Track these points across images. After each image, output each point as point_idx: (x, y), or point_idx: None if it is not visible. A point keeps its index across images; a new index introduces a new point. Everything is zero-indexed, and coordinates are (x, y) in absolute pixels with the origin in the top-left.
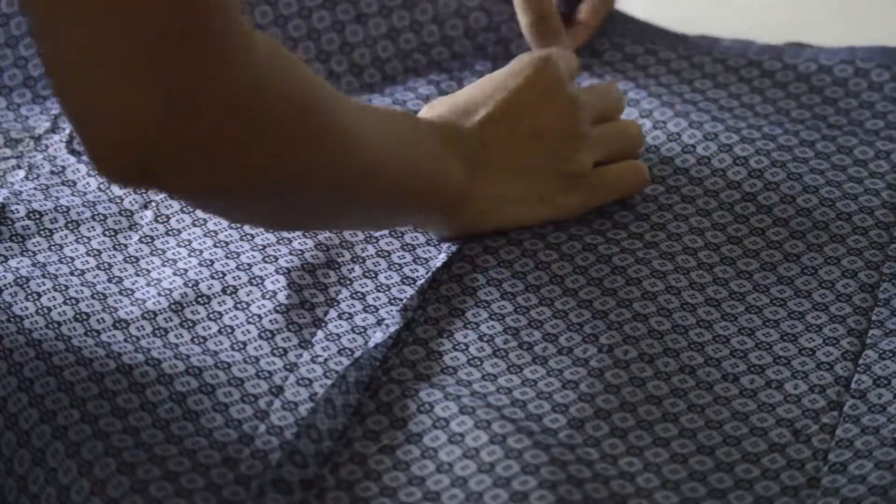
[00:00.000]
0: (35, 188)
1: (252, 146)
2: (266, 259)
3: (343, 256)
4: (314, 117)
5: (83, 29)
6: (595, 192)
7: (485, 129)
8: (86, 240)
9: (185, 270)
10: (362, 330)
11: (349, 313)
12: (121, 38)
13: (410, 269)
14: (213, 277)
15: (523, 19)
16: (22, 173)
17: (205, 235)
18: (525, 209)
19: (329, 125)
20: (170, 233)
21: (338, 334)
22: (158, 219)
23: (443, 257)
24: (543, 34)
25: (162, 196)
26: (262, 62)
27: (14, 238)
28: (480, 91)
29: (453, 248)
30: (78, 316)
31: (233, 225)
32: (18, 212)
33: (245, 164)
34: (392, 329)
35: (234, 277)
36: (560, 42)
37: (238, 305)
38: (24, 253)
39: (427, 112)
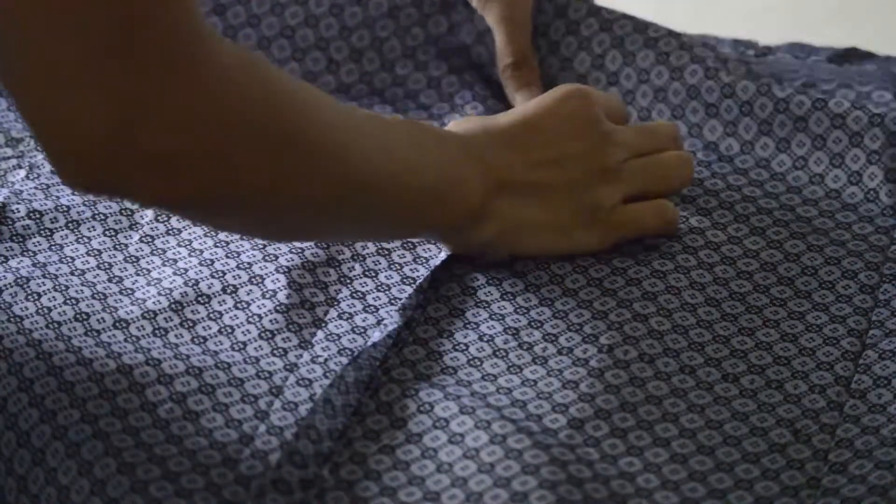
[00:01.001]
0: (35, 188)
1: (210, 159)
2: (266, 257)
3: (343, 254)
4: (287, 130)
5: (34, 40)
6: (614, 230)
7: (508, 151)
8: (86, 239)
9: (186, 270)
10: (362, 330)
11: (349, 313)
12: (72, 48)
13: (410, 269)
14: (213, 277)
15: (504, 59)
16: (23, 173)
17: (205, 235)
18: (542, 238)
19: (308, 138)
20: (170, 232)
21: (338, 334)
22: (159, 218)
23: (443, 256)
24: (520, 77)
25: None
26: (224, 72)
27: (14, 238)
28: (511, 115)
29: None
30: (78, 316)
31: None
32: (19, 211)
33: (203, 177)
34: (391, 328)
35: (234, 276)
36: (537, 84)
37: (238, 305)
38: (25, 253)
39: (458, 125)
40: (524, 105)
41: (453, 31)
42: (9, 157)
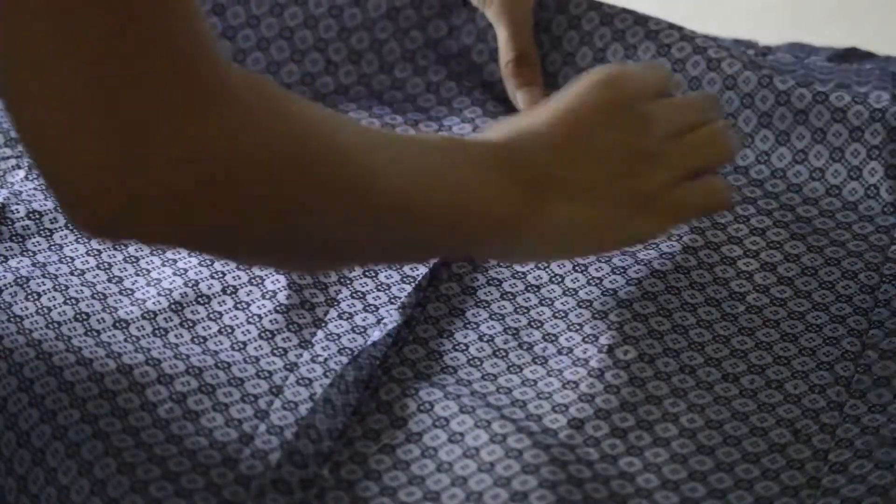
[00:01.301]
0: (35, 188)
1: (223, 193)
2: None
3: None
4: (305, 157)
5: (36, 76)
6: (671, 214)
7: (547, 151)
8: (86, 239)
9: (185, 270)
10: (362, 330)
11: (349, 313)
12: (80, 79)
13: (410, 269)
14: (213, 277)
15: (506, 55)
16: (22, 173)
17: None
18: (593, 236)
19: (328, 164)
20: None
21: (338, 334)
22: None
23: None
24: (522, 74)
25: None
26: (236, 103)
27: (14, 238)
28: (544, 111)
29: None
30: (78, 316)
31: None
32: (18, 212)
33: (216, 213)
34: (390, 327)
35: (234, 277)
36: (539, 81)
37: (238, 305)
38: (24, 253)
39: (493, 130)
40: (555, 101)
41: (452, 35)
42: (8, 158)
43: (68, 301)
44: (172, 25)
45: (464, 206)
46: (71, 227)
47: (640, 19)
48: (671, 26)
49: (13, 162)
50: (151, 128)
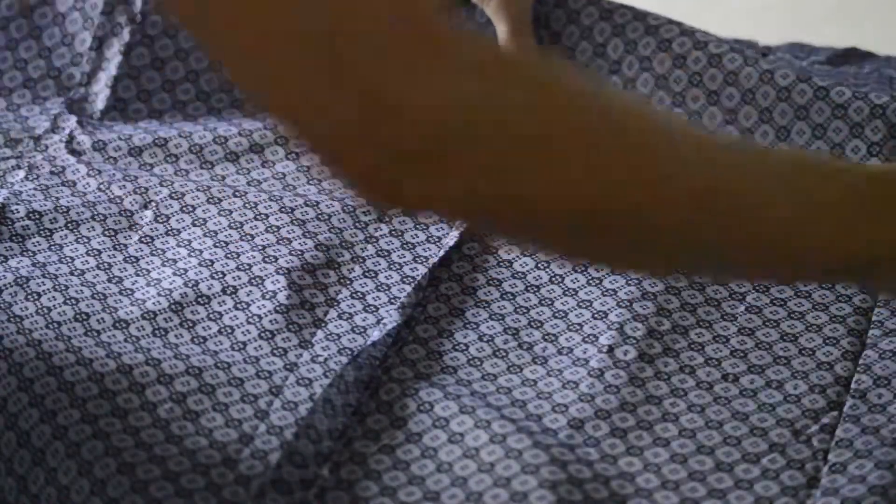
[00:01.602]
0: (35, 188)
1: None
2: (266, 259)
3: (343, 256)
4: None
5: (293, 49)
6: None
7: None
8: (86, 240)
9: (185, 270)
10: (362, 330)
11: (349, 313)
12: (310, 49)
13: (410, 269)
14: (213, 277)
15: (502, 27)
16: (22, 173)
17: (205, 235)
18: None
19: (629, 135)
20: (170, 233)
21: (338, 334)
22: (158, 219)
23: (442, 254)
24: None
25: (162, 196)
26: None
27: (14, 238)
28: None
29: (451, 244)
30: (78, 316)
31: (233, 224)
32: (18, 212)
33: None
34: (390, 327)
35: (234, 277)
36: (525, 15)
37: (238, 305)
38: (24, 253)
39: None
40: None
41: None
42: (8, 158)
43: (68, 301)
44: None
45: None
46: (71, 228)
47: (640, 14)
48: (671, 21)
49: (13, 162)
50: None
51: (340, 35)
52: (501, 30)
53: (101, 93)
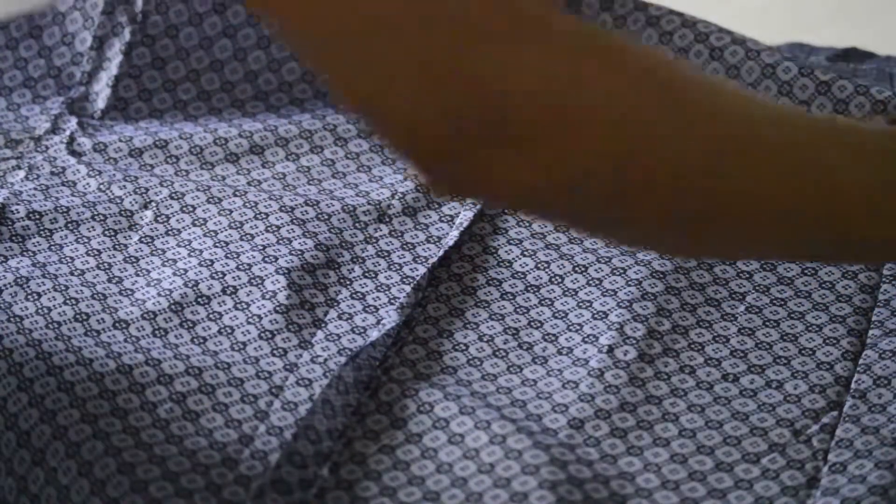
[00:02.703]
0: (35, 188)
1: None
2: (266, 259)
3: (343, 256)
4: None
5: (379, 38)
6: None
7: None
8: (86, 240)
9: (185, 271)
10: (362, 330)
11: (349, 313)
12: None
13: (410, 269)
14: (212, 278)
15: None
16: (22, 174)
17: (205, 235)
18: None
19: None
20: (170, 233)
21: (338, 334)
22: (158, 219)
23: (441, 255)
24: None
25: (162, 196)
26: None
27: (14, 238)
28: None
29: (451, 243)
30: (78, 316)
31: (233, 224)
32: (18, 212)
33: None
34: (389, 327)
35: (234, 278)
36: None
37: (238, 306)
38: (24, 253)
39: None
40: None
41: None
42: (8, 158)
43: (68, 301)
44: None
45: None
46: (71, 228)
47: (640, 5)
48: (671, 12)
49: (13, 163)
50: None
51: (430, 18)
52: None
53: (101, 92)
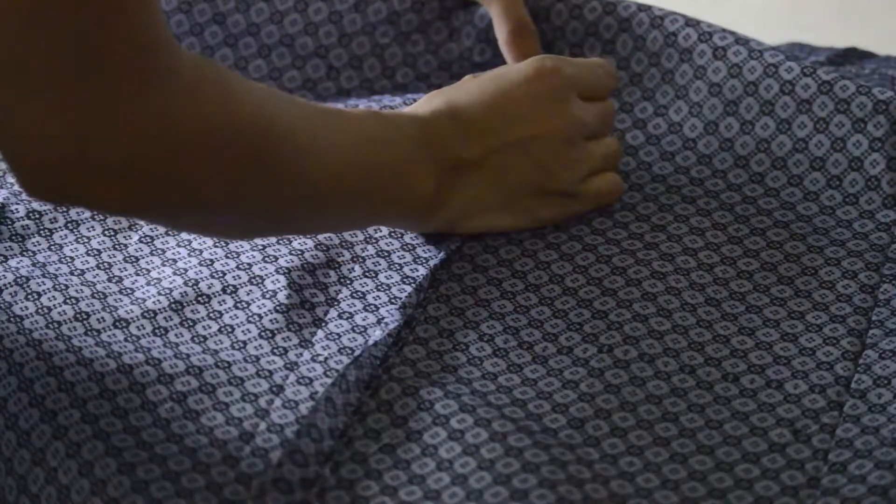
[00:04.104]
0: None
1: (165, 170)
2: (266, 259)
3: (343, 256)
4: (248, 137)
5: (2, 49)
6: (575, 204)
7: (471, 132)
8: (85, 239)
9: (185, 270)
10: (362, 329)
11: (349, 313)
12: (37, 60)
13: (410, 269)
14: (213, 277)
15: (503, 27)
16: None
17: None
18: (500, 217)
19: (268, 146)
20: (169, 232)
21: (338, 334)
22: None
23: (442, 255)
24: (522, 45)
25: None
26: (183, 86)
27: (14, 238)
28: (479, 90)
29: (453, 247)
30: (78, 315)
31: None
32: (18, 211)
33: (157, 187)
34: (391, 327)
35: (234, 277)
36: (538, 50)
37: (238, 305)
38: (24, 252)
39: (425, 103)
40: (496, 78)
41: (453, 38)
42: None
43: (68, 301)
44: (128, 16)
45: (394, 186)
46: (71, 228)
47: (643, 6)
48: (674, 13)
49: None
50: (105, 110)
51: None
52: (495, 9)
53: None
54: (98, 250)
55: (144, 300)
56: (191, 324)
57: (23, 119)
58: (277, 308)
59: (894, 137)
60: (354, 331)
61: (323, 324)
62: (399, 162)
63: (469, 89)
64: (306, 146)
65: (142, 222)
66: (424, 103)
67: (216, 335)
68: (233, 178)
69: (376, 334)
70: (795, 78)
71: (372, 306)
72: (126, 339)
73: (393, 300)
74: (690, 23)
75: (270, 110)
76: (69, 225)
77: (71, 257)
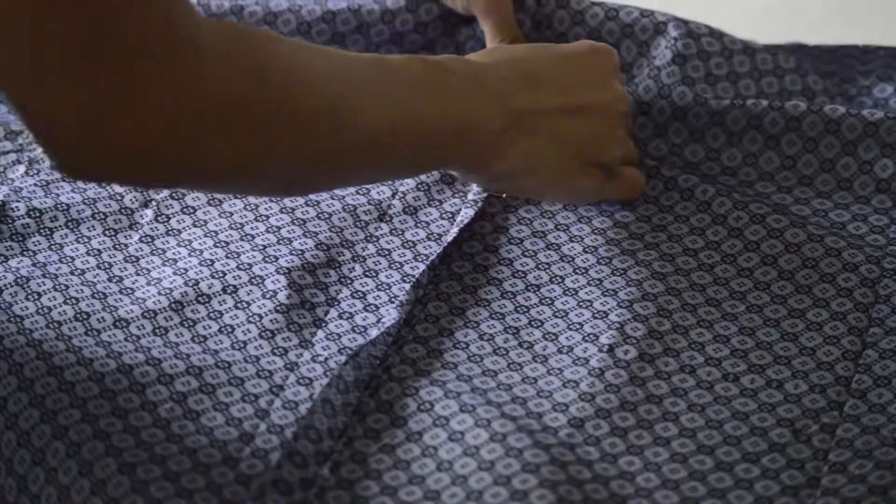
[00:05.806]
0: (35, 184)
1: (185, 148)
2: (266, 259)
3: (343, 255)
4: (272, 99)
5: (20, 38)
6: (609, 186)
7: (528, 83)
8: (86, 239)
9: (186, 270)
10: (363, 329)
11: (349, 313)
12: (53, 45)
13: (411, 267)
14: (213, 277)
15: (496, 42)
16: (22, 168)
17: (205, 235)
18: (547, 181)
19: (295, 102)
20: (170, 232)
21: (338, 334)
22: (159, 218)
23: (441, 251)
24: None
25: (162, 195)
26: (202, 60)
27: (14, 237)
28: (535, 50)
29: (450, 241)
30: (78, 315)
31: (233, 225)
32: (19, 210)
33: (177, 165)
34: (388, 325)
35: (234, 277)
36: (509, 11)
37: (238, 305)
38: (25, 252)
39: (481, 56)
40: (551, 47)
41: (459, 53)
42: (8, 152)
43: (68, 301)
44: None
45: (443, 132)
46: (71, 227)
47: (646, 12)
48: (676, 19)
49: (13, 157)
50: (121, 90)
51: (94, 33)
52: (488, 26)
53: None
54: (98, 250)
55: (145, 300)
56: (191, 324)
57: (43, 103)
58: (278, 308)
59: (883, 161)
60: (354, 331)
61: (323, 324)
62: (456, 106)
63: (523, 48)
64: (343, 95)
65: (146, 219)
66: (484, 54)
67: (216, 335)
68: (257, 140)
69: (375, 334)
70: (803, 78)
71: (372, 306)
72: (126, 339)
73: (393, 299)
74: (692, 32)
75: (303, 64)
76: (69, 224)
77: (71, 257)
